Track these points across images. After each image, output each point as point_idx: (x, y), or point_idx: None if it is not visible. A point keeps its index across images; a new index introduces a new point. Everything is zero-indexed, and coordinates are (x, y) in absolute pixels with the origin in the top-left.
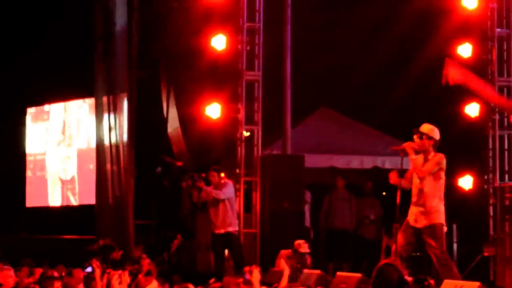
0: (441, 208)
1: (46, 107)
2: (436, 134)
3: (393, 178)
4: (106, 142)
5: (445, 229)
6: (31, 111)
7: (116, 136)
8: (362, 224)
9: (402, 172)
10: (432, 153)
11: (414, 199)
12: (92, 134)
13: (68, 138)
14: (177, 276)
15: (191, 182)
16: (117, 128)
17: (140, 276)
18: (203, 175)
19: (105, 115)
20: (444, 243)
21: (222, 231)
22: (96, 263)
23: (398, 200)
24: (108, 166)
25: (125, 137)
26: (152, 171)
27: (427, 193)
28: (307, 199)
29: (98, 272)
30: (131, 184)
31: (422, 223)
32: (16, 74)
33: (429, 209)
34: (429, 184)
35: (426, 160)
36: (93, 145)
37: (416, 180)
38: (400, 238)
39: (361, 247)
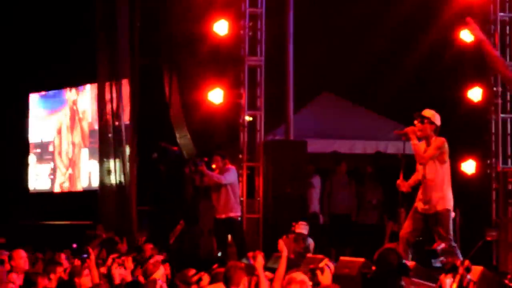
0: (448, 193)
1: (50, 93)
2: (437, 119)
3: (404, 186)
4: (110, 128)
5: (452, 214)
6: (34, 96)
7: (119, 122)
8: (364, 209)
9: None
10: (434, 138)
11: (421, 185)
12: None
13: (71, 124)
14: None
15: (193, 167)
16: (120, 114)
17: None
18: (206, 159)
19: (108, 101)
20: (451, 229)
21: (223, 216)
22: (91, 249)
23: (401, 185)
24: (111, 150)
25: (127, 123)
26: (149, 156)
27: (433, 179)
28: (316, 184)
29: (93, 257)
30: (134, 170)
31: (429, 209)
32: (19, 60)
33: (436, 195)
34: (434, 169)
35: (428, 145)
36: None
37: (420, 167)
38: (408, 223)
39: (363, 232)
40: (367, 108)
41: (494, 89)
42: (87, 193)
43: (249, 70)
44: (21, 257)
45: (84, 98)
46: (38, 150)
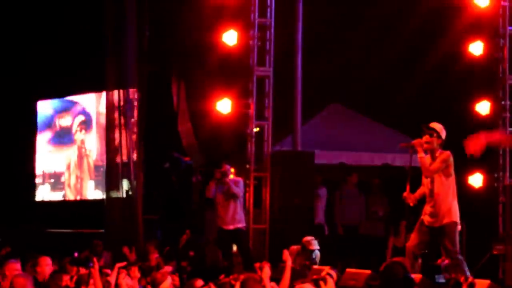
0: (454, 206)
1: (57, 100)
2: (444, 134)
3: (410, 199)
4: (116, 137)
5: (459, 227)
6: (41, 104)
7: (126, 131)
8: (370, 221)
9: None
10: (439, 151)
11: (427, 198)
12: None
13: (79, 162)
14: (184, 263)
15: (201, 177)
16: (127, 124)
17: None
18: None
19: (116, 108)
20: (457, 242)
21: (231, 227)
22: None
23: (407, 197)
24: (118, 159)
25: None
26: (161, 166)
27: (439, 192)
28: (322, 195)
29: (97, 267)
30: (141, 178)
31: (436, 222)
32: (27, 67)
33: (442, 208)
34: (440, 182)
35: (433, 158)
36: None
37: (426, 180)
38: (414, 236)
39: (369, 243)
40: (375, 120)
41: (502, 102)
42: (95, 202)
43: (258, 80)
44: (47, 264)
45: (91, 139)
46: (52, 180)
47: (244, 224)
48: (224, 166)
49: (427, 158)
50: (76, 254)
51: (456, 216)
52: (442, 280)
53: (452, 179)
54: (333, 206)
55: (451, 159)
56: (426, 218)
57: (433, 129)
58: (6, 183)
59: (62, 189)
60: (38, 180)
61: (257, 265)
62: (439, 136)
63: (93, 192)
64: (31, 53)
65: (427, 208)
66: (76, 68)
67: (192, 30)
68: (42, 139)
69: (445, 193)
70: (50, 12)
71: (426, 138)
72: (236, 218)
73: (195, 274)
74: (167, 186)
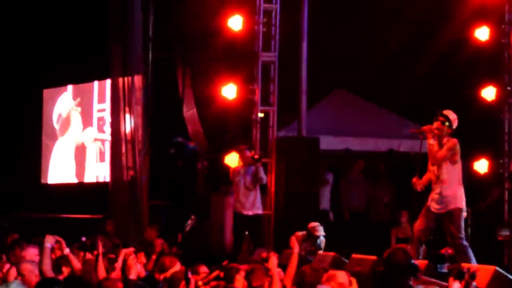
0: (460, 192)
1: (63, 88)
2: (456, 124)
3: (418, 184)
4: (122, 123)
5: (464, 214)
6: (47, 92)
7: (131, 117)
8: (375, 207)
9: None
10: (446, 138)
11: (433, 185)
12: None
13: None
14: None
15: (206, 163)
16: (132, 108)
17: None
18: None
19: (121, 96)
20: (463, 228)
21: (250, 213)
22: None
23: (416, 183)
24: (123, 145)
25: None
26: (166, 152)
27: (445, 179)
28: (329, 180)
29: (100, 249)
30: (146, 164)
31: (442, 209)
32: (32, 56)
33: (448, 194)
34: (446, 169)
35: (440, 145)
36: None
37: (433, 167)
38: (420, 222)
39: (375, 230)
40: (380, 105)
41: (508, 88)
42: (99, 186)
43: (263, 66)
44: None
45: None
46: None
47: (262, 211)
48: (246, 150)
49: (434, 146)
50: (83, 239)
51: (462, 202)
52: (444, 270)
53: (459, 166)
54: (339, 193)
55: (458, 147)
56: (432, 205)
57: (447, 117)
58: (12, 167)
59: (67, 173)
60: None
61: (264, 255)
62: (450, 126)
63: (98, 176)
64: (36, 42)
65: (433, 195)
66: (82, 56)
67: (197, 16)
68: (47, 124)
69: (451, 179)
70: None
71: (437, 124)
72: (256, 204)
73: (200, 259)
74: (172, 172)
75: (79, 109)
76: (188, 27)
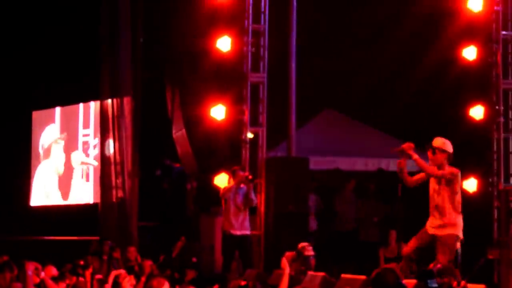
0: (459, 221)
1: (52, 110)
2: (448, 147)
3: (401, 163)
4: (111, 144)
5: (458, 245)
6: (36, 114)
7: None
8: (365, 226)
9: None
10: (447, 167)
11: (432, 212)
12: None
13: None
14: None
15: (195, 184)
16: (122, 130)
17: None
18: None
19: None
20: (453, 255)
21: (238, 233)
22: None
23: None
24: (112, 167)
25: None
26: (153, 174)
27: (444, 208)
28: (311, 203)
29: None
30: (135, 185)
31: (438, 232)
32: (21, 77)
33: (446, 222)
34: (446, 198)
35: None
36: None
37: (433, 195)
38: (414, 241)
39: (365, 249)
40: (369, 125)
41: (497, 107)
42: (89, 207)
43: (252, 86)
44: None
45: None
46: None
47: (249, 232)
48: (240, 170)
49: (419, 160)
50: (82, 262)
51: (458, 230)
52: (435, 285)
53: (458, 198)
54: (331, 212)
55: (459, 177)
56: (429, 229)
57: (434, 147)
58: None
59: (56, 195)
60: (32, 186)
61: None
62: (442, 151)
63: (87, 198)
64: (25, 61)
65: (432, 221)
66: (71, 78)
67: (186, 36)
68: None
69: (449, 209)
70: (44, 19)
71: (430, 155)
72: (245, 224)
73: (190, 281)
74: (160, 194)
75: (62, 142)
76: (177, 48)
